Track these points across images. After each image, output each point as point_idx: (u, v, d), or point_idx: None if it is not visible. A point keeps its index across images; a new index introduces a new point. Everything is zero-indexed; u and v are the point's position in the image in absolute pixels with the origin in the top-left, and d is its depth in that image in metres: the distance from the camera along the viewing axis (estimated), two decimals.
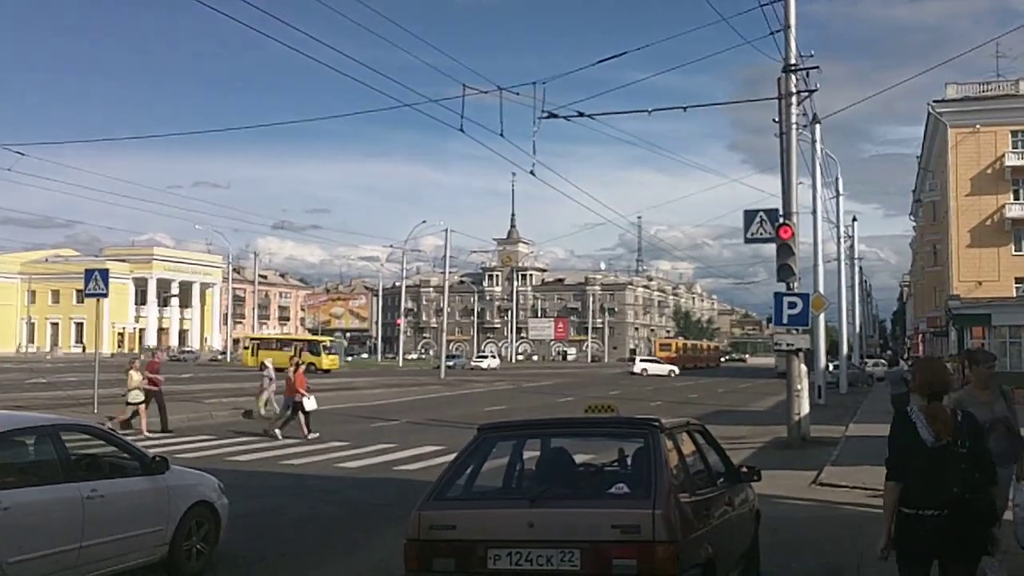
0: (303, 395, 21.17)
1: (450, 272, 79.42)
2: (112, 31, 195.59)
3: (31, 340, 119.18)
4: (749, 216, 19.99)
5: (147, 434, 20.60)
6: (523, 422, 7.73)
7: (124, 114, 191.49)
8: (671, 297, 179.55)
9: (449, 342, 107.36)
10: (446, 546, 5.67)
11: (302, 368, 22.41)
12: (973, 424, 5.39)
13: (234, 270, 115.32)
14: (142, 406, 21.20)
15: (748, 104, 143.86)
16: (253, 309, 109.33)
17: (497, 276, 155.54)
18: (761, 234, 19.80)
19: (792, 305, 19.38)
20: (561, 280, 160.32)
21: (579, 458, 6.87)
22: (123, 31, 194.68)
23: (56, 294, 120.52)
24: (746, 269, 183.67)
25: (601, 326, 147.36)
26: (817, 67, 20.52)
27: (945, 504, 5.11)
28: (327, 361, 70.17)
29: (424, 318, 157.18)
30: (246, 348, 78.04)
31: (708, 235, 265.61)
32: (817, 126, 33.44)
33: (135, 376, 21.30)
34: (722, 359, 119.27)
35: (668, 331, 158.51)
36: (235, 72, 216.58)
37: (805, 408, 20.25)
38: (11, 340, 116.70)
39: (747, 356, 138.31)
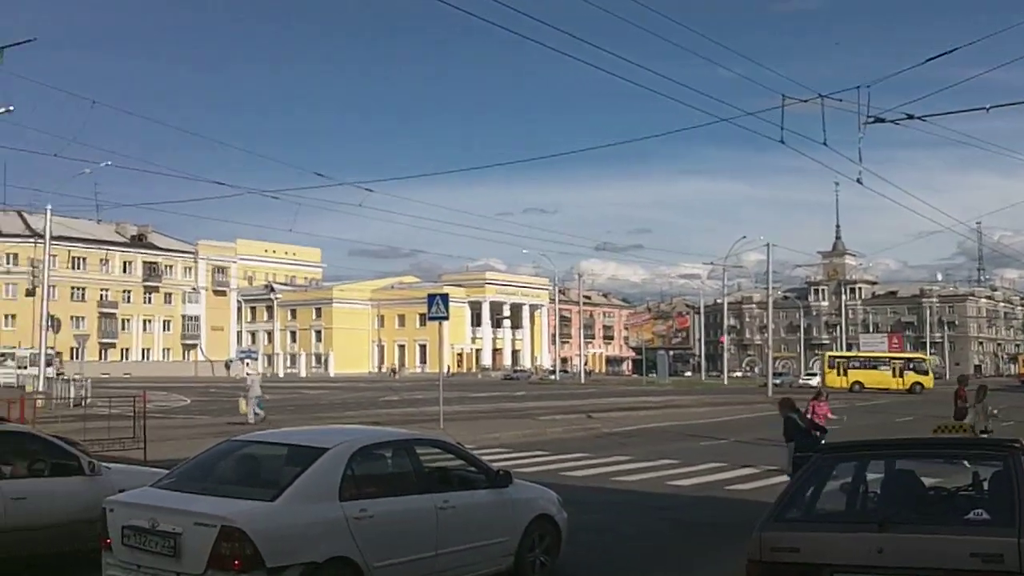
0: None
1: (773, 287, 77.03)
2: (440, 73, 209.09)
3: (381, 362, 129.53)
4: None
5: None
6: (864, 442, 7.40)
7: (459, 148, 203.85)
8: (1019, 308, 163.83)
9: (775, 359, 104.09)
10: (789, 568, 5.57)
11: None
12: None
13: (560, 292, 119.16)
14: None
15: None
16: (579, 329, 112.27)
17: (823, 290, 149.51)
18: None
19: None
20: (893, 293, 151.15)
21: (927, 481, 6.50)
22: (450, 72, 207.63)
23: (402, 318, 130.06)
24: None
25: (940, 341, 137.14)
26: None
27: None
28: (930, 380, 67.86)
29: (747, 335, 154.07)
30: (830, 368, 72.04)
31: None
32: None
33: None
34: None
35: (1017, 345, 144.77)
36: (555, 100, 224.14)
37: None
38: (365, 362, 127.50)
39: None
